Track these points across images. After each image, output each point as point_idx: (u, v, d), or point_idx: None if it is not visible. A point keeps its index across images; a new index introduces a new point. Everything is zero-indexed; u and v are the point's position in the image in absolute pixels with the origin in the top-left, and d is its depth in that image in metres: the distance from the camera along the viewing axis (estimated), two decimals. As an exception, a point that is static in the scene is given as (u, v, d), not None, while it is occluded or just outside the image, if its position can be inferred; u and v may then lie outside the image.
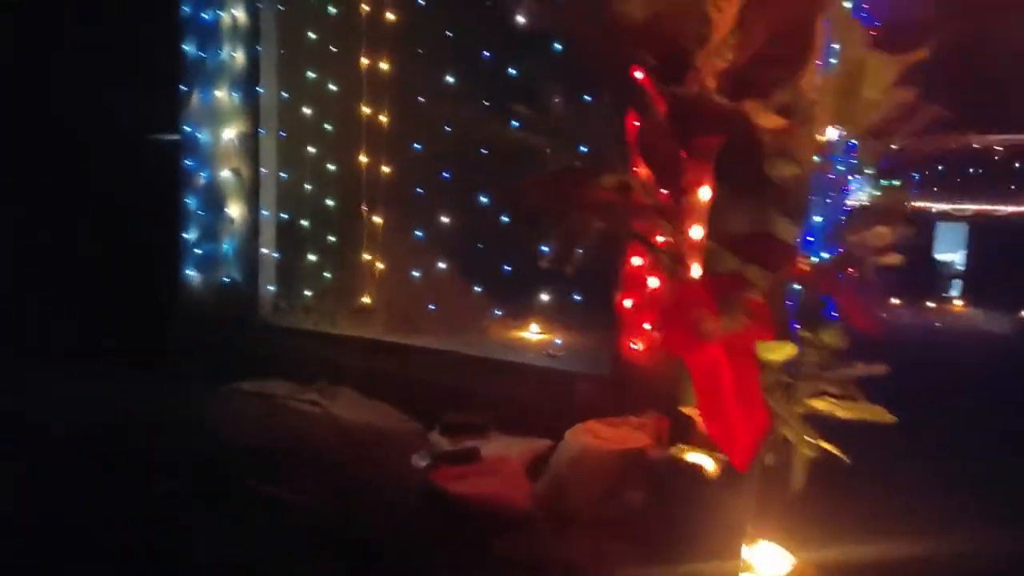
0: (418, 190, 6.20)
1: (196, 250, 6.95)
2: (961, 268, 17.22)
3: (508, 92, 5.35)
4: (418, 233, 6.25)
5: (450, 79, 5.84)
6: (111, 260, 7.22)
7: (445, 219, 6.06)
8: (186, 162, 6.90)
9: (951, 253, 17.70)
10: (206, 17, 6.66)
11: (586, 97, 5.19)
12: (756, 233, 3.45)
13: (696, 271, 4.50)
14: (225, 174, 6.73)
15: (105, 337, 6.67)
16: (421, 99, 6.08)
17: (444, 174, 6.03)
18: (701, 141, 3.39)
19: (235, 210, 6.74)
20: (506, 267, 5.98)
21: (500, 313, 6.16)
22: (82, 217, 7.38)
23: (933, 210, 16.34)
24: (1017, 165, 15.64)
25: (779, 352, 3.25)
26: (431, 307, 6.27)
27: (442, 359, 5.78)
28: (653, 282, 4.95)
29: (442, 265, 6.20)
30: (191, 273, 6.98)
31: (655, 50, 3.39)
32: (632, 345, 5.02)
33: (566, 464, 4.47)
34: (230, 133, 6.68)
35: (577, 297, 5.84)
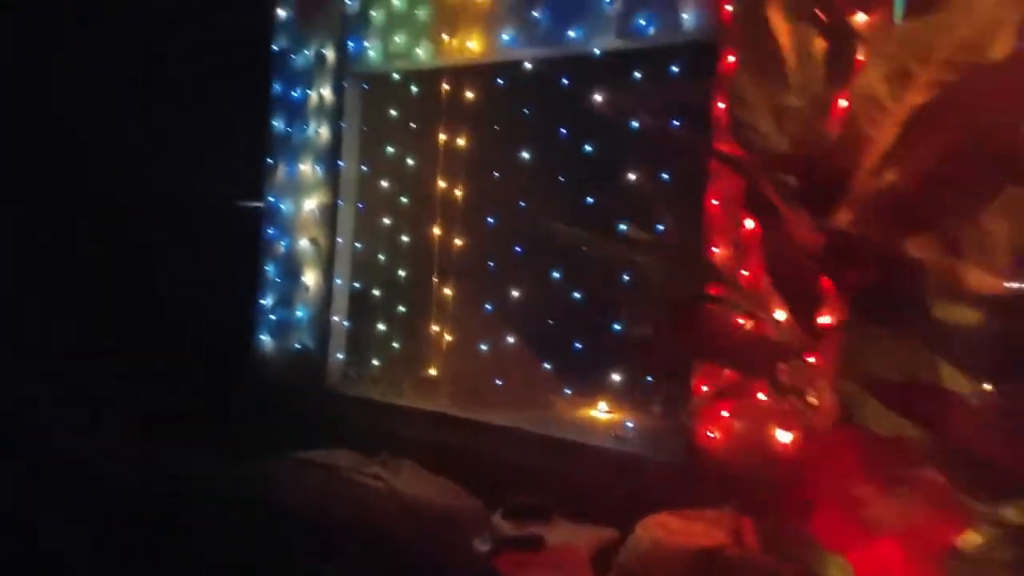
0: (489, 264, 6.20)
1: (271, 316, 7.10)
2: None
3: (586, 169, 5.37)
4: (488, 306, 6.21)
5: (526, 156, 5.88)
6: (191, 323, 7.44)
7: (515, 293, 6.01)
8: (268, 230, 7.15)
9: None
10: (295, 95, 6.99)
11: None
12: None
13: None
14: (304, 243, 6.92)
15: (179, 399, 6.80)
16: (496, 175, 6.15)
17: (516, 248, 6.02)
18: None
19: (311, 278, 6.89)
20: (576, 344, 5.83)
21: (569, 392, 5.98)
22: (169, 282, 7.67)
23: None
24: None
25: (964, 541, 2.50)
26: (498, 382, 6.16)
27: (507, 436, 5.62)
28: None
29: (511, 340, 6.12)
30: (265, 338, 7.12)
31: (800, 171, 2.97)
32: (708, 433, 4.76)
33: (636, 559, 4.19)
34: (311, 204, 6.90)
35: (650, 378, 5.63)
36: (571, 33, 5.36)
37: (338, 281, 6.74)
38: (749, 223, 4.61)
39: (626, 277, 5.32)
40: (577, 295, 5.60)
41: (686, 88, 4.78)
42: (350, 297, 6.89)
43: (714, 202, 4.78)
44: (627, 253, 4.80)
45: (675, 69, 5.29)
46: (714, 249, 4.75)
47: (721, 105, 4.76)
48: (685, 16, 4.92)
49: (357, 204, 6.79)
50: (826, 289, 3.01)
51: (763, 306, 3.68)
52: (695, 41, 4.99)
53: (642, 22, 5.08)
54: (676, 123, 5.30)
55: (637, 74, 5.44)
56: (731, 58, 4.71)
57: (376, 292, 6.81)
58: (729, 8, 4.72)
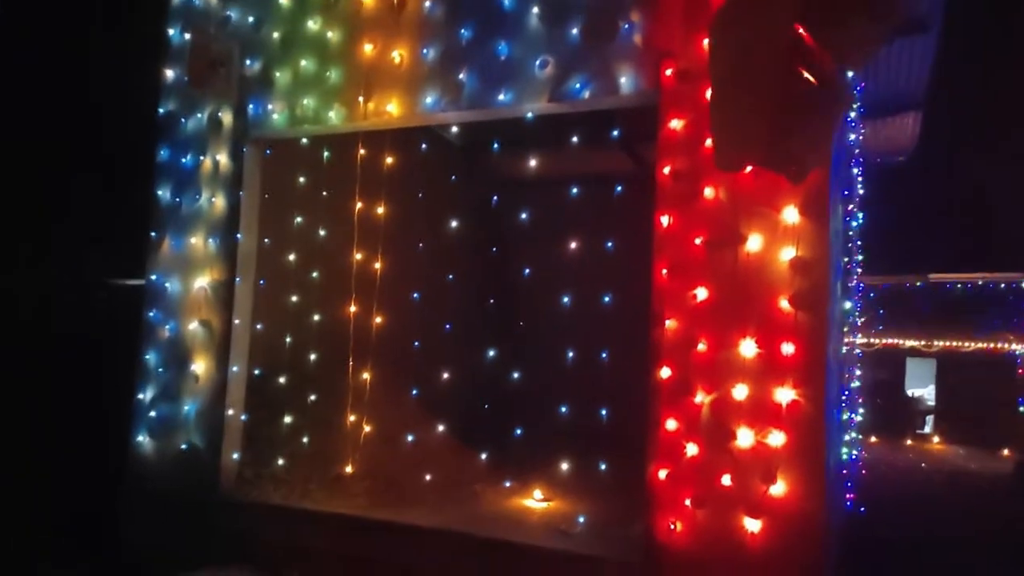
0: (414, 343, 5.59)
1: (152, 412, 6.10)
2: (932, 404, 17.19)
3: (519, 236, 4.94)
4: (413, 391, 5.57)
5: (454, 224, 5.40)
6: (57, 423, 6.28)
7: (445, 375, 5.41)
8: (150, 312, 6.22)
9: (922, 388, 17.71)
10: (185, 162, 6.26)
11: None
12: None
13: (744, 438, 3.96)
14: (193, 326, 6.05)
15: (47, 511, 5.62)
16: (420, 245, 5.63)
17: (445, 326, 5.47)
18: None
19: (201, 366, 6.00)
20: (516, 430, 5.28)
21: (508, 484, 5.38)
22: (30, 374, 6.51)
23: (903, 346, 16.47)
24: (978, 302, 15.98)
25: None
26: (424, 475, 5.47)
27: (434, 540, 4.93)
28: (692, 450, 4.36)
29: (439, 428, 5.48)
30: (143, 439, 6.09)
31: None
32: (670, 525, 4.31)
33: None
34: (202, 281, 6.08)
35: (603, 465, 5.14)
36: (501, 96, 5.05)
37: (234, 368, 5.89)
38: (701, 292, 4.37)
39: (571, 354, 4.88)
40: (516, 375, 5.12)
41: (628, 153, 4.61)
42: (248, 386, 6.03)
43: (663, 270, 4.50)
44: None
45: (615, 133, 5.07)
46: (667, 321, 4.43)
47: (666, 170, 4.57)
48: (622, 80, 4.73)
49: (258, 280, 6.03)
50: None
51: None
52: (634, 106, 4.78)
53: (576, 85, 4.85)
54: (618, 189, 5.04)
55: (574, 138, 5.18)
56: (673, 122, 4.56)
57: (280, 379, 5.99)
58: (669, 73, 4.60)
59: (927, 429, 17.00)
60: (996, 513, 8.02)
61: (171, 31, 6.48)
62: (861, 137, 7.46)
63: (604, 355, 5.49)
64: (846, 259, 5.67)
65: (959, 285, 16.08)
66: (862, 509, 5.73)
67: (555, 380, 5.11)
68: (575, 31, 4.86)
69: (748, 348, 4.22)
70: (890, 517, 6.40)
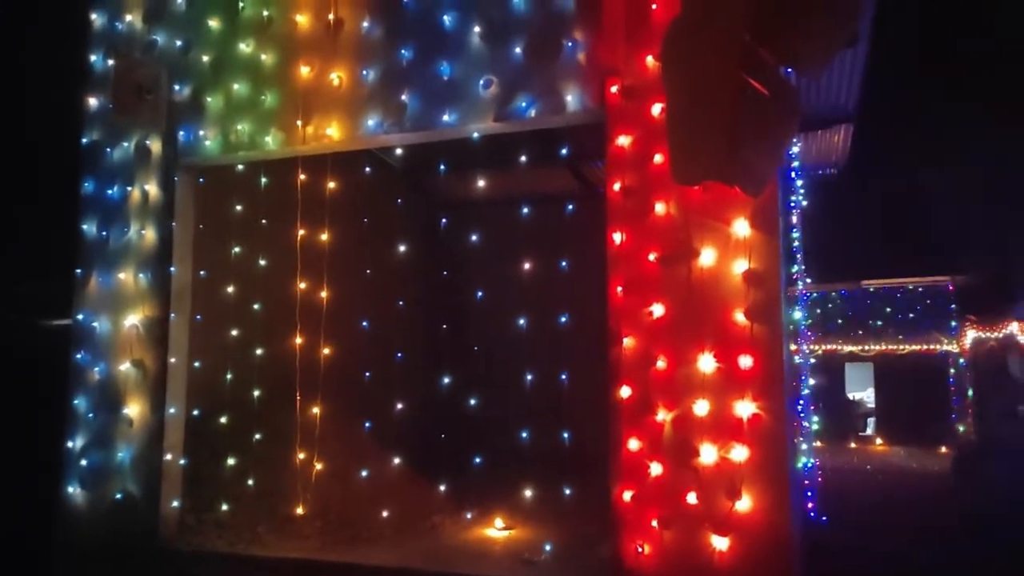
0: (366, 374, 5.37)
1: (82, 461, 5.69)
2: (872, 406, 17.75)
3: (470, 259, 4.81)
4: (365, 424, 5.34)
5: (402, 249, 5.24)
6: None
7: (399, 406, 5.21)
8: (78, 355, 5.83)
9: (862, 392, 18.27)
10: (111, 193, 5.92)
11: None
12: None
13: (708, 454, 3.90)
14: (125, 367, 5.69)
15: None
16: (368, 272, 5.43)
17: (397, 354, 5.27)
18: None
19: (135, 409, 5.64)
20: (476, 458, 5.11)
21: (469, 515, 5.19)
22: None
23: (841, 351, 16.98)
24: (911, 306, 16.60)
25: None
26: (380, 511, 5.23)
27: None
28: (656, 469, 4.28)
29: (395, 460, 5.26)
30: (74, 490, 5.67)
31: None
32: (638, 548, 4.21)
33: None
34: (133, 319, 5.74)
35: (567, 490, 5.01)
36: (445, 117, 4.94)
37: (171, 410, 5.56)
38: (658, 308, 4.32)
39: (530, 377, 4.75)
40: (473, 401, 4.95)
41: (573, 173, 4.55)
42: (187, 428, 5.69)
43: (618, 288, 4.44)
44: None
45: (563, 152, 5.01)
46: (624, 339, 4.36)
47: (616, 187, 4.53)
48: (568, 98, 4.69)
49: (194, 316, 5.71)
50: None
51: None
52: (581, 124, 4.74)
53: (522, 104, 4.78)
54: (568, 208, 4.98)
55: (521, 158, 5.10)
56: (620, 139, 4.53)
57: (222, 419, 5.67)
58: (615, 90, 4.57)
59: (869, 431, 17.51)
60: (943, 509, 8.25)
61: (93, 57, 6.16)
62: (796, 149, 7.63)
63: (563, 376, 5.40)
64: (793, 269, 5.75)
65: (890, 290, 16.67)
66: (824, 518, 5.77)
67: (514, 404, 4.98)
68: (518, 50, 4.81)
69: (707, 363, 4.18)
70: (846, 522, 6.47)
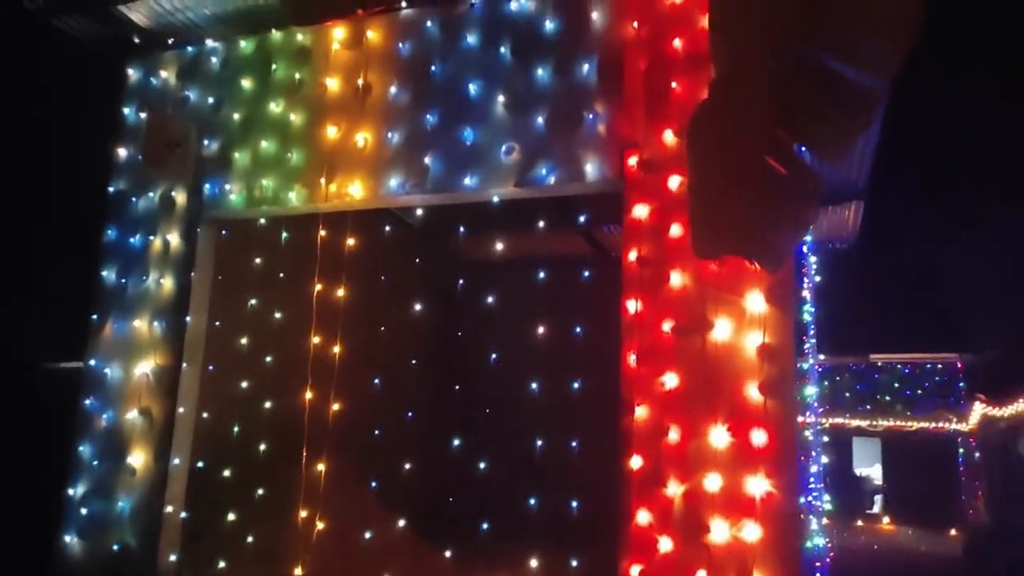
0: (375, 432, 5.34)
1: (82, 509, 5.62)
2: (880, 483, 17.40)
3: (484, 321, 4.84)
4: (372, 484, 5.28)
5: (418, 308, 5.28)
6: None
7: (407, 466, 5.16)
8: (87, 400, 5.82)
9: (868, 468, 17.93)
10: (133, 242, 6.02)
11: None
12: None
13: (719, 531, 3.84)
14: (132, 415, 5.67)
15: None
16: (383, 329, 5.47)
17: (408, 414, 5.25)
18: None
19: (138, 459, 5.59)
20: (483, 524, 5.03)
21: (474, 582, 5.08)
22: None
23: (849, 426, 16.75)
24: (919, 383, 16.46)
25: None
26: (383, 574, 5.12)
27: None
28: (666, 544, 4.20)
29: (400, 522, 5.18)
30: (71, 539, 5.58)
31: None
32: (646, 629, 4.10)
33: None
34: (144, 367, 5.75)
35: (574, 561, 4.91)
36: (466, 181, 5.05)
37: (175, 461, 5.51)
38: (671, 379, 4.31)
39: (540, 443, 4.72)
40: (483, 465, 4.91)
41: (588, 239, 4.64)
42: (190, 479, 5.63)
43: (631, 356, 4.45)
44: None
45: (581, 219, 5.10)
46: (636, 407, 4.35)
47: (632, 256, 4.59)
48: (587, 167, 4.80)
49: (206, 366, 5.72)
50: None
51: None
52: (599, 193, 4.84)
53: (542, 172, 4.90)
54: (584, 274, 5.04)
55: (539, 223, 5.19)
56: (637, 209, 4.62)
57: (225, 472, 5.61)
58: (632, 163, 4.68)
59: (876, 508, 17.15)
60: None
61: (126, 110, 6.35)
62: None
63: (573, 444, 5.35)
64: (805, 345, 5.77)
65: (899, 366, 16.58)
66: (836, 602, 5.61)
67: (523, 470, 4.92)
68: (540, 120, 4.95)
69: (719, 436, 4.15)
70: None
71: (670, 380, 4.32)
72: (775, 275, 4.18)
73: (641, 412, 4.36)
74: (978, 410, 15.41)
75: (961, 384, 16.05)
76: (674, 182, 4.52)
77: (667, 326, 4.39)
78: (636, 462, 4.30)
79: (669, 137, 4.58)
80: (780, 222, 3.20)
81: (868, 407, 16.56)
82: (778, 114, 3.05)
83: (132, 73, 6.40)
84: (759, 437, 4.06)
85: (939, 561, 11.15)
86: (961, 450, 15.96)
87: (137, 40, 6.31)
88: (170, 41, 6.23)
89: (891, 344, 16.27)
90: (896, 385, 16.53)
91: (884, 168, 7.96)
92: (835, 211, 8.79)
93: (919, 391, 16.31)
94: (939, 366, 16.31)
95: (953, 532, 14.26)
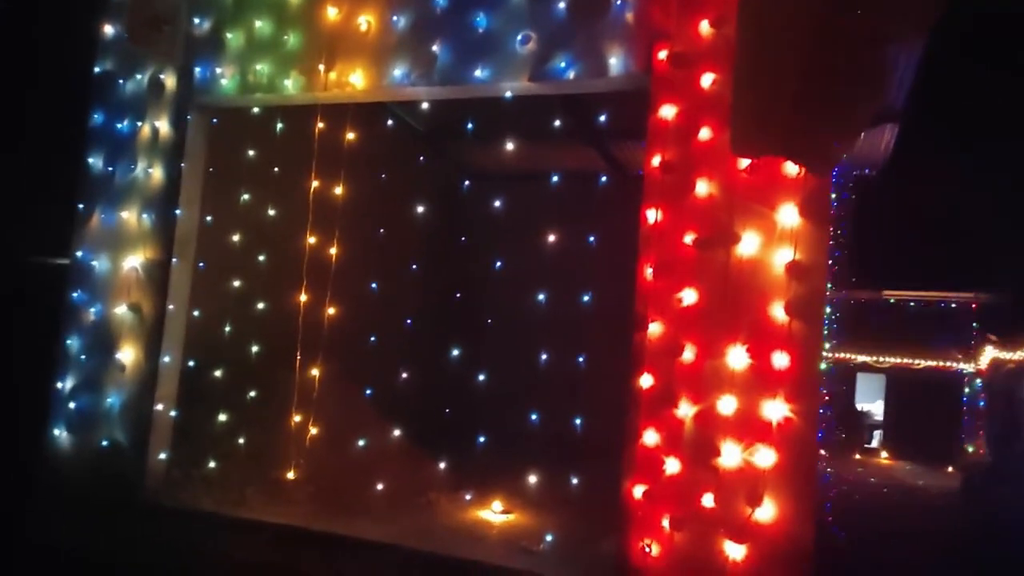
0: (371, 338, 5.09)
1: (71, 404, 5.46)
2: (879, 418, 17.41)
3: (489, 227, 4.51)
4: (366, 391, 5.07)
5: (420, 210, 4.93)
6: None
7: (403, 375, 4.93)
8: (74, 293, 5.58)
9: (870, 403, 17.91)
10: (121, 127, 5.64)
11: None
12: None
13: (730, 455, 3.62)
14: (121, 310, 5.44)
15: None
16: (382, 231, 5.13)
17: (406, 320, 4.98)
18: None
19: (128, 355, 5.40)
20: (480, 437, 4.83)
21: (468, 497, 4.93)
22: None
23: (854, 361, 16.59)
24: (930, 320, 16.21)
25: None
26: (375, 483, 4.98)
27: (382, 555, 4.47)
28: (673, 466, 4.00)
29: (395, 431, 4.99)
30: (60, 433, 5.45)
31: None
32: (645, 548, 3.94)
33: None
34: (134, 261, 5.48)
35: (574, 479, 4.73)
36: (477, 73, 4.61)
37: (166, 359, 5.31)
38: (689, 295, 4.01)
39: (545, 356, 4.46)
40: (483, 377, 4.67)
41: (602, 153, 4.24)
42: (182, 379, 5.45)
43: (648, 269, 4.13)
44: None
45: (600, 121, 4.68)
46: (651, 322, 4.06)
47: (655, 161, 4.20)
48: (611, 61, 4.35)
49: (197, 262, 5.44)
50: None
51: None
52: (622, 90, 4.40)
53: (560, 64, 4.44)
54: (602, 180, 4.65)
55: (552, 125, 4.76)
56: (664, 110, 4.20)
57: (217, 373, 5.41)
58: (662, 56, 4.23)
59: (874, 444, 17.19)
60: (955, 531, 7.99)
61: (112, -18, 5.83)
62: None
63: (580, 359, 5.10)
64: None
65: (912, 304, 16.25)
66: (842, 534, 5.49)
67: (525, 384, 4.69)
68: (562, 5, 4.47)
69: (738, 357, 3.88)
70: (855, 538, 6.20)
71: (688, 296, 4.02)
72: (812, 187, 3.81)
73: (655, 328, 4.08)
74: (988, 351, 15.18)
75: (974, 325, 15.75)
76: (707, 79, 4.09)
77: (689, 238, 4.06)
78: (646, 380, 4.06)
79: (705, 28, 4.11)
80: (837, 120, 2.80)
81: (876, 343, 16.32)
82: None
83: (118, -58, 5.85)
84: (781, 360, 3.79)
85: (936, 494, 11.17)
86: (967, 390, 15.81)
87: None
88: (159, -93, 5.64)
89: (906, 281, 15.86)
90: (907, 323, 16.24)
91: (926, 88, 7.39)
92: (868, 134, 8.26)
93: (930, 330, 16.02)
94: (953, 306, 15.98)
95: (951, 469, 14.27)
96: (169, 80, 5.53)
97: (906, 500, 10.48)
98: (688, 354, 3.98)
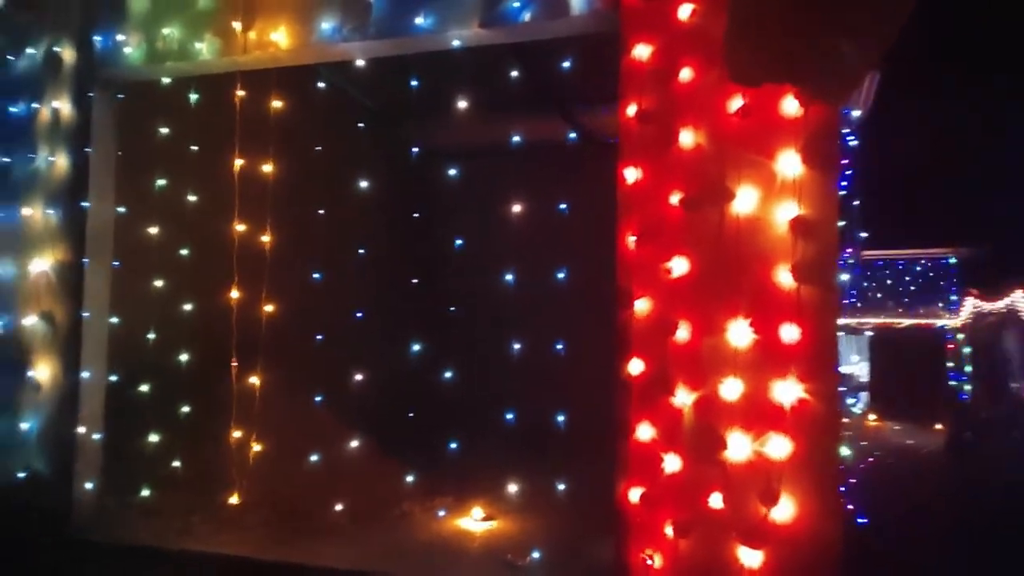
0: (317, 336, 4.44)
1: (-21, 432, 4.77)
2: (865, 380, 17.21)
3: (445, 201, 3.89)
4: (316, 398, 4.43)
5: (363, 185, 4.27)
6: None
7: (357, 376, 4.30)
8: (-26, 307, 4.87)
9: (853, 366, 17.71)
10: (15, 111, 4.90)
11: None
12: None
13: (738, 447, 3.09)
14: (31, 321, 4.75)
15: None
16: (321, 212, 4.46)
17: (356, 313, 4.34)
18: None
19: (43, 372, 4.72)
20: (451, 443, 4.23)
21: (443, 511, 4.34)
22: None
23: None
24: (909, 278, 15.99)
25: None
26: (334, 502, 4.37)
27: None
28: (672, 463, 3.46)
29: (353, 442, 4.37)
30: (-33, 467, 4.75)
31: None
32: (645, 558, 3.40)
33: None
34: (42, 264, 4.78)
35: (560, 484, 4.16)
36: (419, 20, 3.96)
37: (86, 374, 4.63)
38: (680, 264, 3.44)
39: (518, 346, 3.86)
40: (449, 374, 4.07)
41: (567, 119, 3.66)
42: (106, 396, 4.77)
43: (630, 237, 3.54)
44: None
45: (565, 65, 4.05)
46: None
47: (630, 110, 3.60)
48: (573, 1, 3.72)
49: (111, 261, 4.74)
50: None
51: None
52: (587, 33, 3.79)
53: (515, 4, 3.81)
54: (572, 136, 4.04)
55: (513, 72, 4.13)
56: (637, 50, 3.60)
57: (144, 387, 4.73)
58: (632, -11, 3.62)
59: (860, 407, 17.00)
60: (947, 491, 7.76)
61: (-5, -56, 5.05)
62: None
63: (559, 346, 4.51)
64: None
65: (890, 262, 15.99)
66: (864, 520, 5.01)
67: (499, 378, 4.10)
68: (513, -66, 3.82)
69: (740, 333, 3.32)
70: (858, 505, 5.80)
71: (679, 265, 3.45)
72: (816, 128, 3.25)
73: (642, 305, 3.50)
74: (969, 305, 14.97)
75: (954, 281, 15.53)
76: (685, 10, 3.50)
77: (675, 198, 3.48)
78: (636, 366, 3.49)
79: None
80: (854, 33, 2.21)
81: (857, 304, 16.03)
82: None
83: None
84: (790, 333, 3.24)
85: (925, 454, 10.94)
86: (950, 346, 15.62)
87: None
88: None
89: (886, 239, 15.53)
90: (888, 282, 15.97)
91: (912, 31, 6.86)
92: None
93: (911, 287, 15.77)
94: (931, 263, 15.74)
95: (938, 427, 14.07)
96: (67, 53, 4.80)
97: (895, 456, 10.27)
98: (682, 332, 3.42)
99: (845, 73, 2.36)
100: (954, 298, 15.18)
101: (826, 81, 2.40)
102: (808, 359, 3.24)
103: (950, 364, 15.36)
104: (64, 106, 4.81)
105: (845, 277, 5.32)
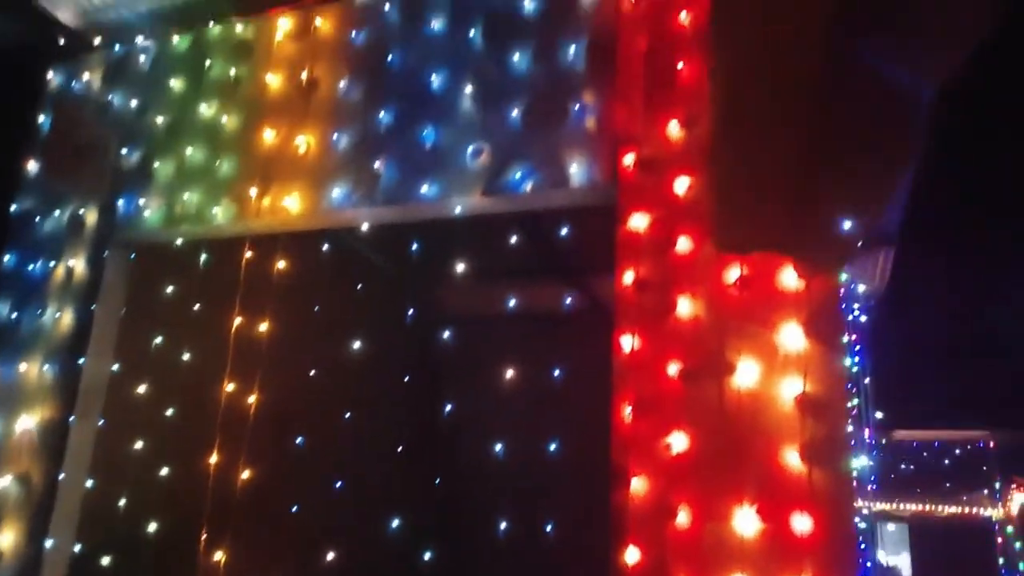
0: (291, 508, 4.16)
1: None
2: (908, 574, 15.73)
3: (439, 365, 3.76)
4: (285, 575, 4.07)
5: (356, 345, 4.19)
6: None
7: (330, 555, 3.95)
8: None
9: (896, 556, 16.26)
10: (32, 270, 5.02)
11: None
12: None
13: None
14: (5, 482, 4.54)
15: None
16: (312, 372, 4.36)
17: (335, 483, 4.08)
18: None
19: (7, 539, 4.43)
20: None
21: None
22: None
23: (874, 509, 15.18)
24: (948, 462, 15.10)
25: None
26: None
27: None
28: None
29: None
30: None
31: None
32: None
33: None
34: (29, 422, 4.65)
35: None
36: (424, 189, 4.07)
37: (49, 543, 4.32)
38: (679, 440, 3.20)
39: (505, 524, 3.54)
40: (430, 554, 3.72)
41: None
42: (71, 566, 4.43)
43: (626, 408, 3.34)
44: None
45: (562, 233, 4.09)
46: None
47: (627, 279, 3.55)
48: (572, 170, 3.83)
49: (98, 420, 4.60)
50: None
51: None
52: (586, 204, 3.85)
53: (516, 176, 3.92)
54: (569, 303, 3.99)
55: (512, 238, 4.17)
56: (634, 220, 3.61)
57: (105, 559, 4.39)
58: (629, 163, 3.71)
59: (906, 602, 15.45)
60: None
61: (42, 118, 5.46)
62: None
63: (548, 527, 4.15)
64: (853, 402, 4.66)
65: (924, 444, 15.22)
66: None
67: (485, 560, 3.72)
68: (515, 113, 4.01)
69: (747, 521, 3.00)
70: None
71: (678, 441, 3.21)
72: (818, 300, 3.14)
73: (639, 485, 3.22)
74: (1018, 497, 13.98)
75: (994, 466, 14.65)
76: (681, 185, 3.54)
77: (673, 368, 3.32)
78: (632, 555, 3.14)
79: (674, 129, 3.62)
80: (854, 182, 2.13)
81: (893, 489, 15.05)
82: (844, 17, 2.03)
83: (53, 77, 5.56)
84: (802, 523, 2.92)
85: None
86: (999, 540, 14.40)
87: (62, 41, 5.51)
88: (97, 40, 5.40)
89: (917, 419, 14.88)
90: (924, 466, 15.10)
91: (921, 212, 6.93)
92: (860, 259, 7.77)
93: (948, 472, 14.87)
94: (970, 446, 14.94)
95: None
96: (90, 216, 5.00)
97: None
98: (683, 517, 3.10)
99: (833, 242, 2.28)
100: (998, 485, 14.23)
101: (814, 250, 2.31)
102: (824, 553, 2.89)
103: (1001, 560, 14.10)
104: (79, 264, 4.91)
105: (865, 461, 4.99)
